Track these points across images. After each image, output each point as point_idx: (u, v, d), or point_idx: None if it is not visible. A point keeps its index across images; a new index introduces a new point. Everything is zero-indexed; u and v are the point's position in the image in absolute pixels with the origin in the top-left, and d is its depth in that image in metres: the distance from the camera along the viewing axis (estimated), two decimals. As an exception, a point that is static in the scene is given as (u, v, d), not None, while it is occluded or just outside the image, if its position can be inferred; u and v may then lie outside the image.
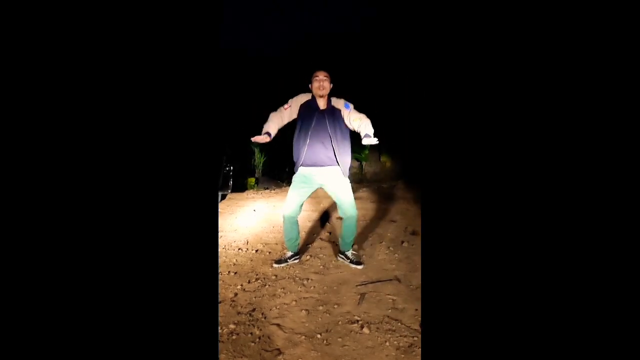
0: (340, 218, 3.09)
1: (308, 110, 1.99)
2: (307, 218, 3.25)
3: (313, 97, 2.01)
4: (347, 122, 1.98)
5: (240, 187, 5.15)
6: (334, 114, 1.98)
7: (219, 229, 2.85)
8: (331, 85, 2.00)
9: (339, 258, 2.15)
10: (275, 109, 2.03)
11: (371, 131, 1.88)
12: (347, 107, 1.99)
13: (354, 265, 2.04)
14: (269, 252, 2.32)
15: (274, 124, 1.98)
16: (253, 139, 1.88)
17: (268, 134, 1.92)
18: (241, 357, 1.24)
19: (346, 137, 2.00)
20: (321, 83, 1.95)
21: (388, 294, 1.69)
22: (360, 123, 1.91)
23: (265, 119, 2.00)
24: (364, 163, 6.74)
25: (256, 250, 2.35)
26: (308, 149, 1.97)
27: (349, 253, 2.12)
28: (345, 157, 2.00)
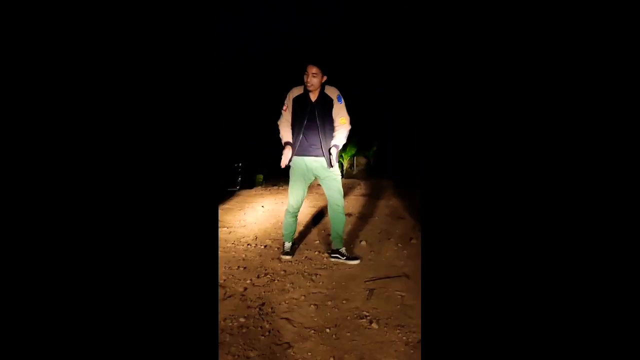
0: (348, 214, 3.10)
1: (300, 104, 2.02)
2: (311, 214, 3.26)
3: (305, 89, 2.00)
4: (333, 114, 2.01)
5: (249, 183, 5.18)
6: (324, 104, 1.99)
7: (228, 225, 2.88)
8: (324, 77, 1.98)
9: (332, 258, 2.12)
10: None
11: (340, 142, 1.97)
12: (339, 100, 1.99)
13: (350, 262, 2.05)
14: (277, 248, 2.34)
15: (287, 130, 2.04)
16: (283, 163, 1.99)
17: (289, 143, 2.00)
18: (251, 350, 1.25)
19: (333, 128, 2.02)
20: (309, 79, 1.94)
21: (397, 290, 1.69)
22: (338, 126, 1.99)
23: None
24: (371, 160, 6.72)
25: (265, 246, 2.37)
26: (301, 141, 2.02)
27: (343, 250, 2.13)
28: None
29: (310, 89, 1.96)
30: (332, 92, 2.01)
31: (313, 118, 1.99)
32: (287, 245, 2.20)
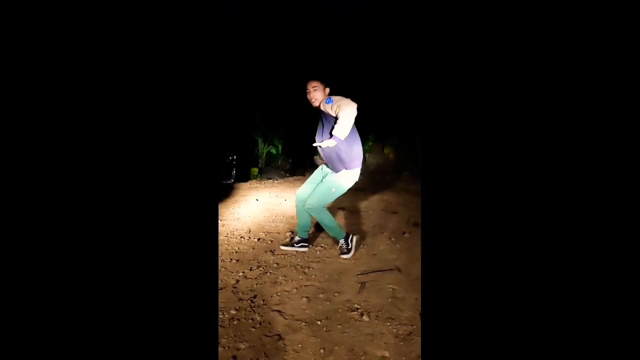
0: (342, 208, 3.11)
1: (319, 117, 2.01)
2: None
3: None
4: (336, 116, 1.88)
5: (243, 176, 5.16)
6: (325, 117, 1.91)
7: (222, 218, 2.87)
8: (326, 89, 1.92)
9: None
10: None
11: (337, 131, 1.77)
12: (328, 102, 1.85)
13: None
14: (271, 241, 2.34)
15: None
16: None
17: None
18: (242, 342, 1.26)
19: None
20: (309, 95, 1.91)
21: (388, 284, 1.70)
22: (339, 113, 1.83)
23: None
24: (367, 154, 6.71)
25: (258, 239, 2.37)
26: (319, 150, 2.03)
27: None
28: (336, 159, 1.90)
29: (314, 105, 1.92)
30: (325, 103, 1.89)
31: (320, 131, 1.95)
32: (296, 238, 2.19)
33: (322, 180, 2.04)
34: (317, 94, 1.91)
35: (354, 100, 1.83)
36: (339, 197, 2.04)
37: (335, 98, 1.84)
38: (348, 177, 1.95)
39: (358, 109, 1.80)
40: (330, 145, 1.82)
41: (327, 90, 1.94)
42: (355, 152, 1.92)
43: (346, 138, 1.83)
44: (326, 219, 2.02)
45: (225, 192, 3.99)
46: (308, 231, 2.18)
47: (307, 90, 1.92)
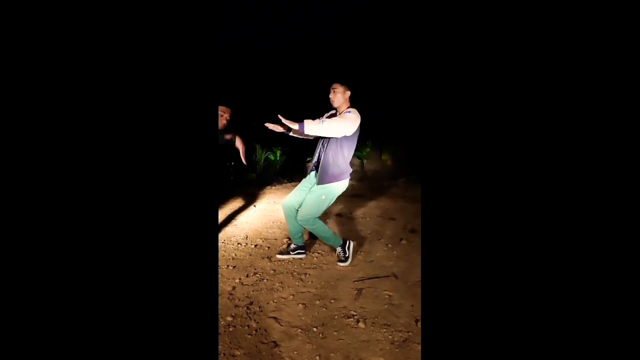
0: (339, 215, 3.11)
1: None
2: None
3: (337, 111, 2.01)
4: None
5: (241, 183, 5.16)
6: None
7: (219, 224, 2.86)
8: (347, 93, 1.93)
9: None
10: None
11: (309, 125, 1.76)
12: (346, 112, 1.88)
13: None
14: (268, 247, 2.34)
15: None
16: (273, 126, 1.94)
17: (288, 129, 1.98)
18: (237, 349, 1.25)
19: (340, 148, 1.90)
20: (330, 95, 1.95)
21: (385, 290, 1.70)
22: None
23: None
24: (364, 161, 6.74)
25: (255, 245, 2.37)
26: (317, 154, 2.02)
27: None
28: (328, 167, 1.91)
29: (333, 105, 1.96)
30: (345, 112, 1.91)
31: (326, 142, 1.95)
32: (291, 245, 2.19)
33: (310, 190, 2.01)
34: (336, 97, 1.94)
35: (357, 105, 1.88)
36: (333, 204, 2.04)
37: (346, 115, 1.86)
38: (337, 185, 1.96)
39: (359, 115, 1.89)
40: (311, 127, 1.78)
41: (348, 93, 1.95)
42: (348, 165, 1.97)
43: (347, 148, 1.91)
44: (320, 229, 2.01)
45: (222, 199, 3.99)
46: (303, 237, 2.18)
47: (331, 89, 1.96)
